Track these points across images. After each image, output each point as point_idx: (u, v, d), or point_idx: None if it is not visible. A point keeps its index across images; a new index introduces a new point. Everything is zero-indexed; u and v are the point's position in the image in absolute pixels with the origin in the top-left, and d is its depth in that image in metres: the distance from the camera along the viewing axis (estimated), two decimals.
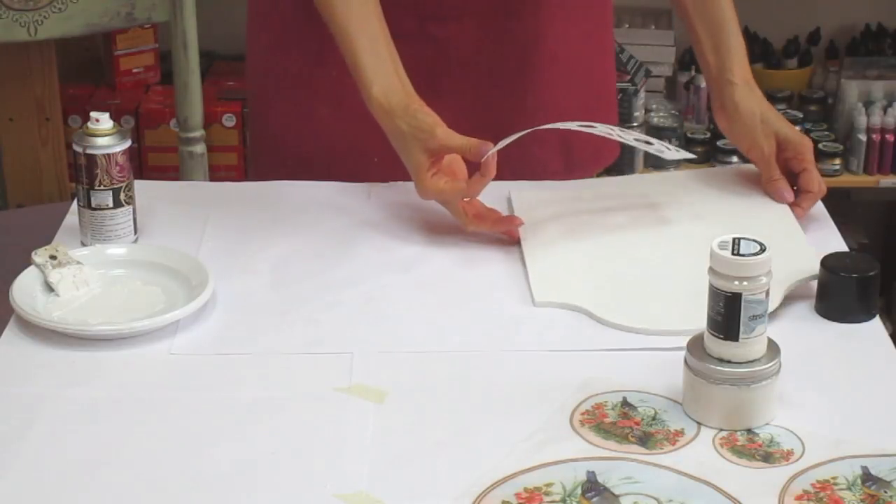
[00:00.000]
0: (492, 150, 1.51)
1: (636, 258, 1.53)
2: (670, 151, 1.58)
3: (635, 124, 3.07)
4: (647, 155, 3.11)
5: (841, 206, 3.10)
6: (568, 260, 1.53)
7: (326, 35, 1.63)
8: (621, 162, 2.95)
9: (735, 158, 3.10)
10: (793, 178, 1.65)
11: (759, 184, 1.67)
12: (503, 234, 1.58)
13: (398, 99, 1.56)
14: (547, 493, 1.17)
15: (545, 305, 1.45)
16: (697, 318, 1.31)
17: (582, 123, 1.54)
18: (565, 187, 1.70)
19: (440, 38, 1.73)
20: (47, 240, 1.57)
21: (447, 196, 1.55)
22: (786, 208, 1.62)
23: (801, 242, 1.55)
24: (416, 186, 1.55)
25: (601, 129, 1.54)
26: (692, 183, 1.69)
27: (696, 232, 1.55)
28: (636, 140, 1.57)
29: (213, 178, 2.68)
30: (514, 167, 1.74)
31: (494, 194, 1.62)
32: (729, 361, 1.26)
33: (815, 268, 1.46)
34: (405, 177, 1.60)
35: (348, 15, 1.59)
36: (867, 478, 1.19)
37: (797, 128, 3.12)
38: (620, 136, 1.56)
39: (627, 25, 3.22)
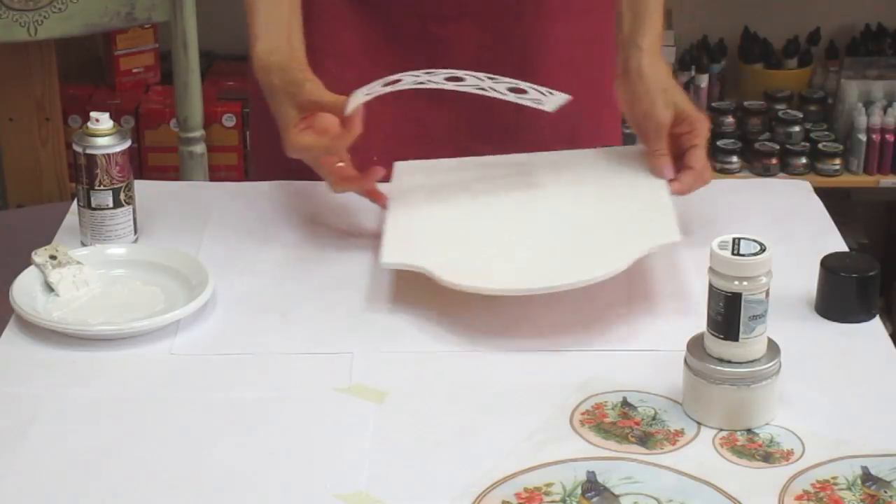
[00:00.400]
0: (355, 103, 1.46)
1: (495, 223, 1.51)
2: (548, 97, 1.54)
3: None
4: None
5: (841, 206, 3.10)
6: (425, 225, 1.51)
7: (323, 30, 1.63)
8: None
9: (735, 158, 3.10)
10: (680, 158, 1.61)
11: (645, 162, 1.62)
12: (371, 199, 1.57)
13: (279, 58, 1.53)
14: (547, 493, 1.17)
15: (390, 267, 1.44)
16: (536, 279, 1.35)
17: (449, 74, 1.51)
18: (452, 162, 1.67)
19: (441, 39, 1.73)
20: (47, 240, 1.57)
21: (313, 152, 1.51)
22: (663, 183, 1.58)
23: (666, 214, 1.50)
24: (284, 142, 1.51)
25: (470, 82, 1.50)
26: (580, 158, 1.67)
27: (563, 200, 1.55)
28: (508, 90, 1.52)
29: (213, 178, 2.68)
30: None
31: None
32: (729, 361, 1.26)
33: (675, 238, 1.44)
34: None
35: None
36: (867, 478, 1.19)
37: (797, 128, 3.13)
38: (492, 88, 1.51)
39: None
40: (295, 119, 1.50)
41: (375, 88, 1.48)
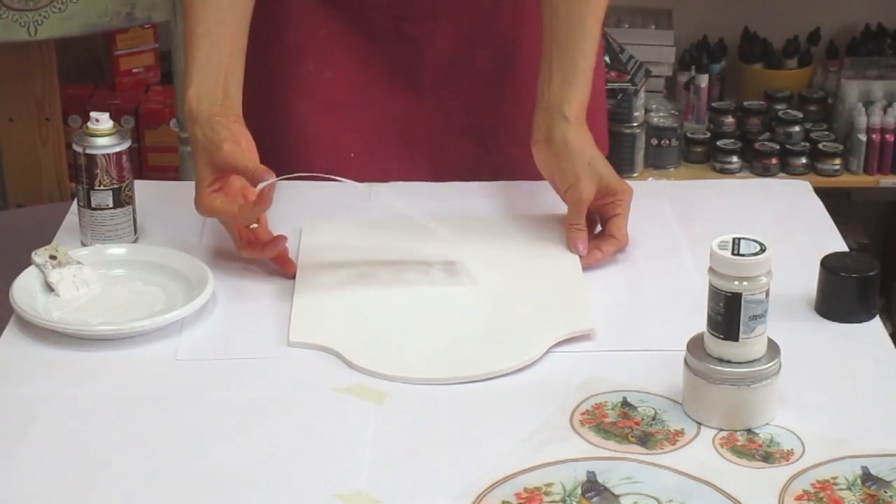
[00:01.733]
0: (267, 182, 1.43)
1: (404, 304, 1.47)
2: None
3: (635, 124, 3.06)
4: (646, 154, 3.11)
5: (841, 206, 3.10)
6: (333, 303, 1.47)
7: (300, 29, 1.62)
8: (619, 160, 2.96)
9: (735, 158, 3.10)
10: (603, 222, 1.59)
11: (560, 231, 1.59)
12: (278, 266, 1.52)
13: (207, 107, 1.51)
14: (547, 493, 1.17)
15: (299, 346, 1.40)
16: (445, 367, 1.34)
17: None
18: (363, 225, 1.62)
19: (416, 38, 1.73)
20: (47, 240, 1.57)
21: (219, 216, 1.50)
22: (576, 260, 1.55)
23: (579, 298, 1.48)
24: (195, 199, 1.50)
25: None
26: (496, 226, 1.63)
27: (475, 279, 1.51)
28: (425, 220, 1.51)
29: None
30: (493, 167, 1.74)
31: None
32: (729, 361, 1.26)
33: (588, 326, 1.42)
34: (381, 175, 1.58)
35: (201, 16, 1.55)
36: (867, 478, 1.19)
37: (797, 128, 3.12)
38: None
39: (627, 25, 3.22)
40: (208, 179, 1.49)
41: (290, 175, 1.48)
